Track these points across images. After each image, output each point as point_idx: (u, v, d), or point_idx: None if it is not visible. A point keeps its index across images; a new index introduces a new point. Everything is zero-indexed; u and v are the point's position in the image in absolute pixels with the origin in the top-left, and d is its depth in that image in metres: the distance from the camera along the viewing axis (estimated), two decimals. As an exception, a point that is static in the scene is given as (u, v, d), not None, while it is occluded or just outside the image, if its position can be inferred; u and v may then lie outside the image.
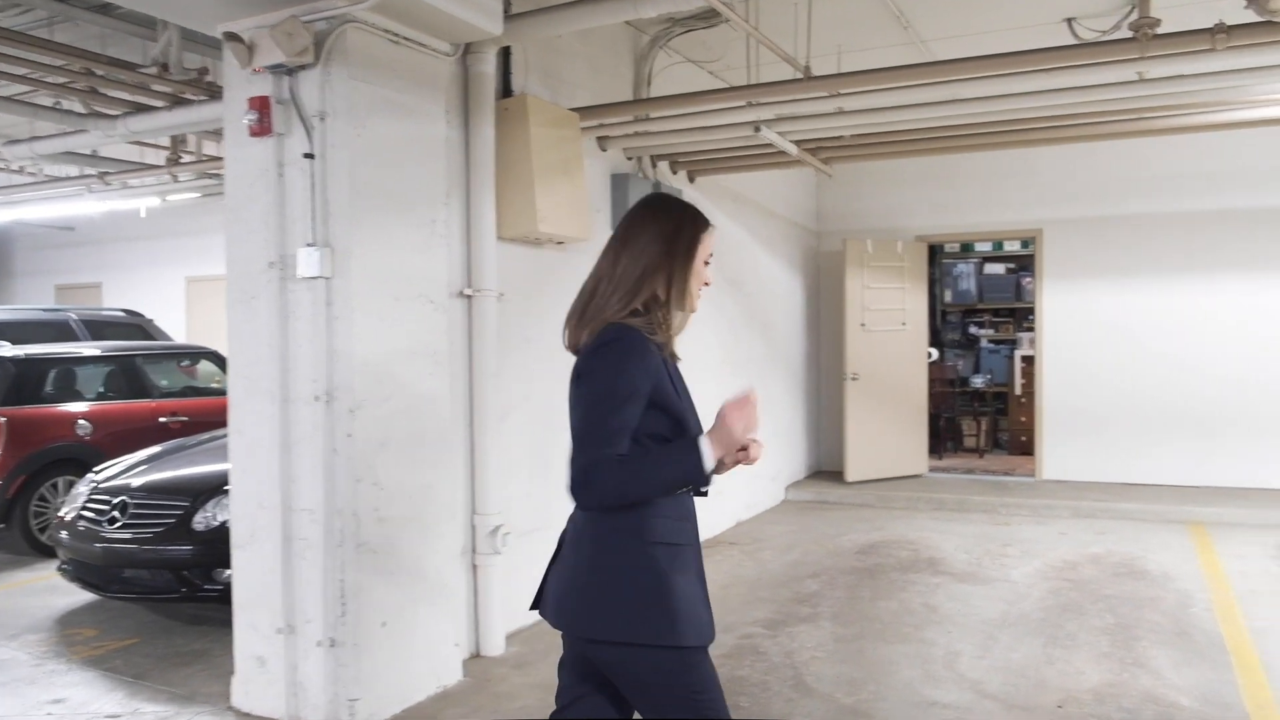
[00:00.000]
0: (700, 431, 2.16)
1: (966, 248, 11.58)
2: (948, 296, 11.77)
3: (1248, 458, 8.29)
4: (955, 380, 11.21)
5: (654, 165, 6.40)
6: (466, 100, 4.59)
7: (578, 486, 2.03)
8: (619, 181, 5.93)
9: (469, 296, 4.61)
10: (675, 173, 6.77)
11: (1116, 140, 8.22)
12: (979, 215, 9.21)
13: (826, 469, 9.71)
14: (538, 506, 5.21)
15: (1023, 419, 10.69)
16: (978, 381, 11.31)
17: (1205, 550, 6.54)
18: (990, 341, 11.72)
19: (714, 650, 4.63)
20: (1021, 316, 11.53)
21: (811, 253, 9.70)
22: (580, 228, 5.12)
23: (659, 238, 2.17)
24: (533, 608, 2.29)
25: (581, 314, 2.18)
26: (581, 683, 2.23)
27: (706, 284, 2.28)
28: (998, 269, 11.58)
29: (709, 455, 2.05)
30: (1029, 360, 10.51)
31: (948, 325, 11.96)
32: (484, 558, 4.66)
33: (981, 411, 11.21)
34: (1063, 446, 8.90)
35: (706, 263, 2.25)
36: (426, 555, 4.14)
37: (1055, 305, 8.97)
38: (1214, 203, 8.37)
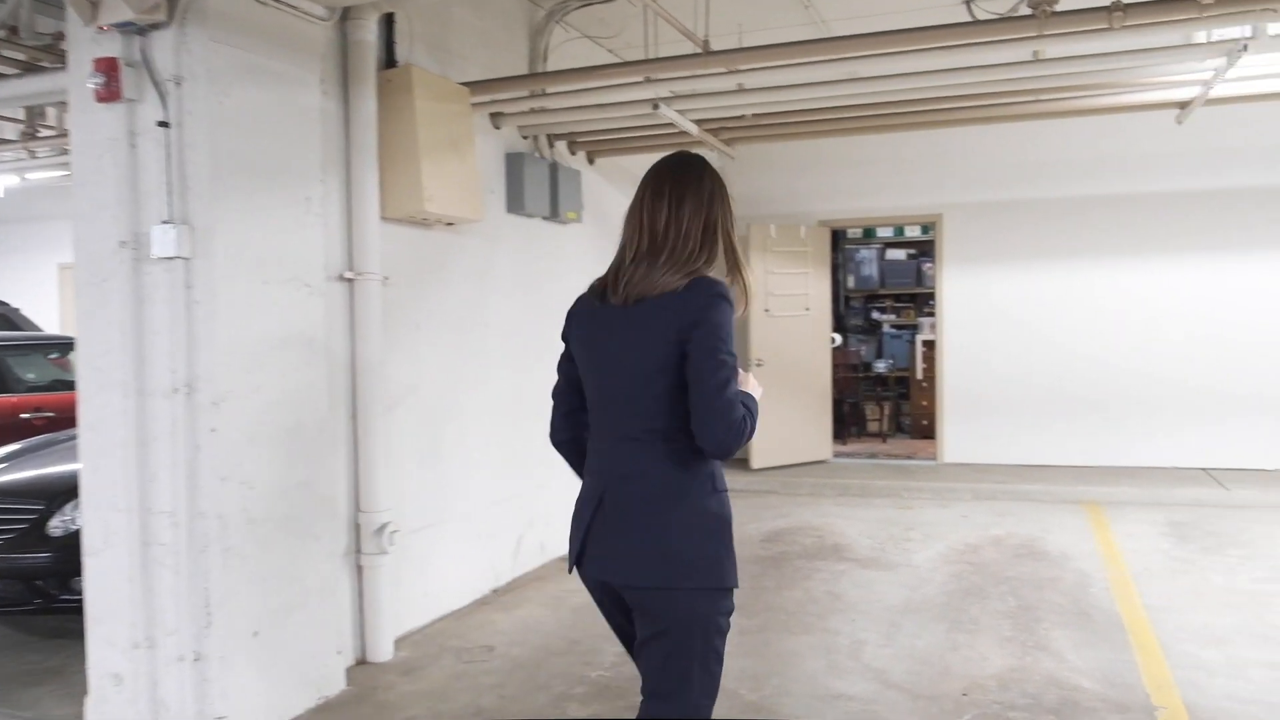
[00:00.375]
0: None
1: (869, 233, 11.64)
2: (851, 282, 11.83)
3: (1138, 438, 8.48)
4: (858, 365, 11.27)
5: (551, 145, 6.17)
6: (346, 70, 4.29)
7: (741, 433, 2.04)
8: (514, 161, 5.68)
9: (350, 280, 4.32)
10: (574, 153, 6.55)
11: (1014, 124, 8.28)
12: (881, 200, 9.22)
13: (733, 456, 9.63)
14: (428, 502, 4.95)
15: (924, 403, 10.79)
16: (880, 366, 11.39)
17: (1101, 529, 6.63)
18: (892, 327, 11.82)
19: (615, 646, 4.43)
20: (922, 301, 11.64)
21: (715, 238, 9.57)
22: (472, 208, 4.86)
23: (713, 196, 2.21)
24: (573, 568, 2.27)
25: (650, 268, 2.12)
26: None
27: None
28: (899, 254, 11.67)
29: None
30: (930, 345, 10.60)
31: (851, 311, 12.02)
32: (370, 558, 4.38)
33: (884, 396, 11.29)
34: (963, 430, 8.99)
35: None
36: (304, 558, 3.85)
37: (955, 290, 9.04)
38: (1103, 188, 8.53)
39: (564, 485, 6.36)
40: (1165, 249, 8.40)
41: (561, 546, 6.41)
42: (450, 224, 4.96)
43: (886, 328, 11.82)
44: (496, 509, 5.57)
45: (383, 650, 4.42)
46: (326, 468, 4.03)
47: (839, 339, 10.58)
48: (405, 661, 4.41)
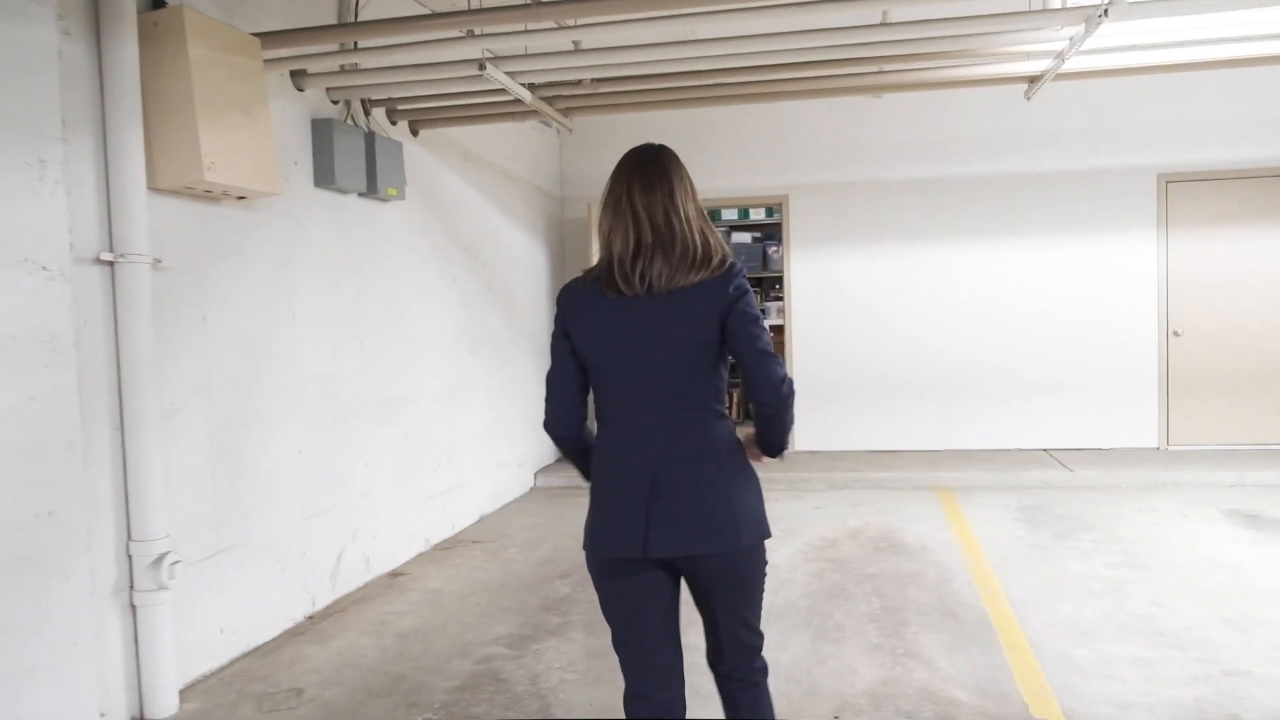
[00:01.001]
0: None
1: (713, 215, 11.34)
2: (697, 267, 11.51)
3: (983, 421, 8.49)
4: (706, 352, 10.95)
5: (367, 112, 5.48)
6: (96, 6, 3.53)
7: (793, 392, 2.27)
8: (321, 128, 4.98)
9: (110, 263, 3.57)
10: (394, 122, 5.87)
11: (860, 103, 8.13)
12: (727, 180, 8.91)
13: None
14: (224, 522, 4.24)
15: (773, 389, 10.59)
16: (728, 353, 11.13)
17: (956, 517, 6.49)
18: (739, 312, 11.57)
19: (447, 682, 3.85)
20: (769, 286, 11.44)
21: (555, 219, 9.05)
22: (266, 179, 4.16)
23: (690, 182, 2.35)
24: (635, 551, 2.26)
25: (667, 260, 2.23)
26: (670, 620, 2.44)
27: None
28: (744, 238, 11.40)
29: None
30: (778, 330, 10.39)
31: (697, 296, 11.71)
32: (145, 595, 3.66)
33: (732, 383, 11.04)
34: (814, 417, 8.79)
35: None
36: (50, 604, 3.12)
37: (803, 274, 8.82)
38: (945, 169, 8.46)
39: (391, 490, 5.65)
40: (1002, 232, 8.41)
41: (389, 559, 5.81)
42: (242, 198, 4.24)
43: (733, 313, 11.57)
44: (311, 523, 4.89)
45: (164, 704, 3.71)
46: (81, 492, 3.29)
47: (687, 325, 10.24)
48: (193, 716, 3.71)
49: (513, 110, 5.93)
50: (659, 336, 2.21)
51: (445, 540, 6.32)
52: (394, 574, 5.59)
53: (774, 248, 11.16)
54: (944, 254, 8.51)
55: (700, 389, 2.24)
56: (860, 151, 8.60)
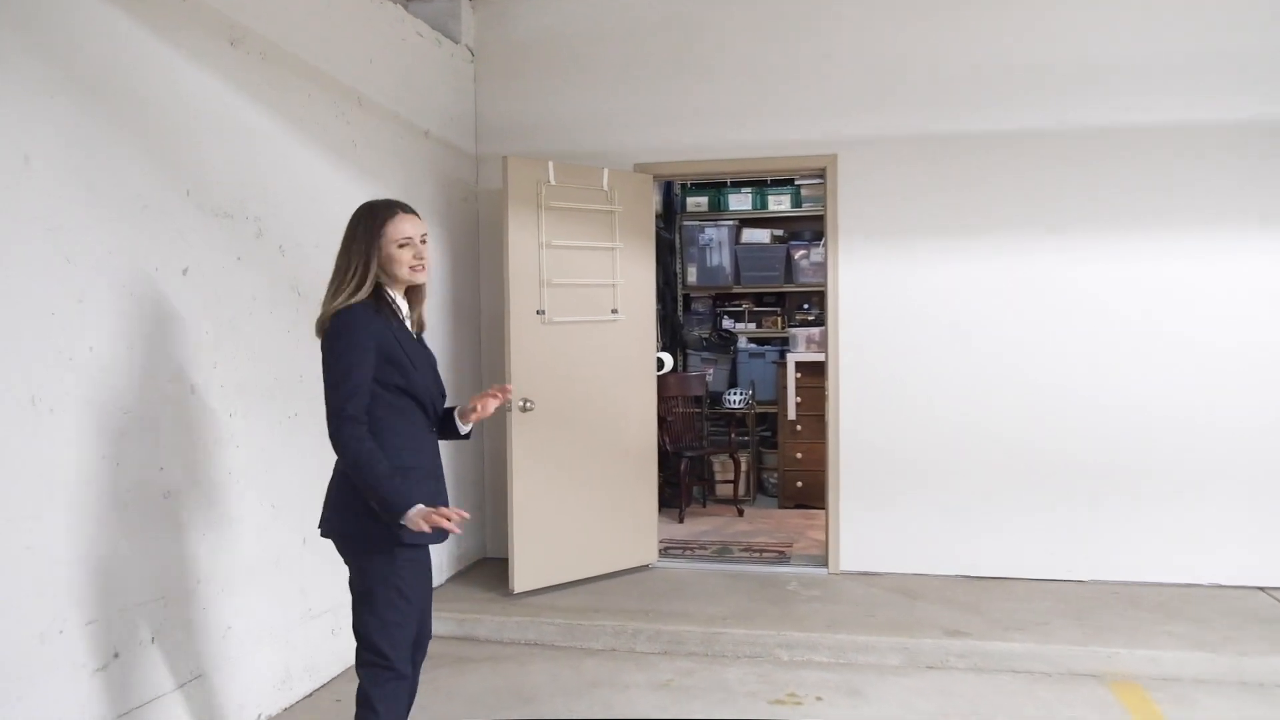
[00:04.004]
0: None
1: (716, 205, 8.03)
2: (692, 275, 8.18)
3: (1158, 530, 5.12)
4: (702, 399, 7.59)
5: None
6: None
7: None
8: None
9: None
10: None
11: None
12: (736, 133, 5.58)
13: (492, 555, 5.82)
14: None
15: (797, 455, 7.26)
16: (734, 400, 7.79)
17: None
18: (751, 341, 8.24)
19: None
20: (795, 304, 8.13)
21: (466, 193, 5.73)
22: None
23: (353, 234, 2.67)
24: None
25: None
26: None
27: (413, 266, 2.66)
28: (760, 235, 8.10)
29: None
30: (809, 369, 7.11)
31: (691, 317, 8.38)
32: None
33: (740, 443, 7.69)
34: (868, 512, 5.42)
35: (401, 245, 2.62)
36: None
37: (855, 285, 5.47)
38: (1094, 115, 5.15)
39: None
40: (1201, 218, 5.07)
41: None
42: None
43: (744, 343, 8.24)
44: None
45: None
46: None
47: (668, 361, 6.93)
48: None
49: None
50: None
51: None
52: None
53: (801, 250, 7.92)
54: (1091, 252, 5.18)
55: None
56: (953, 86, 5.30)
